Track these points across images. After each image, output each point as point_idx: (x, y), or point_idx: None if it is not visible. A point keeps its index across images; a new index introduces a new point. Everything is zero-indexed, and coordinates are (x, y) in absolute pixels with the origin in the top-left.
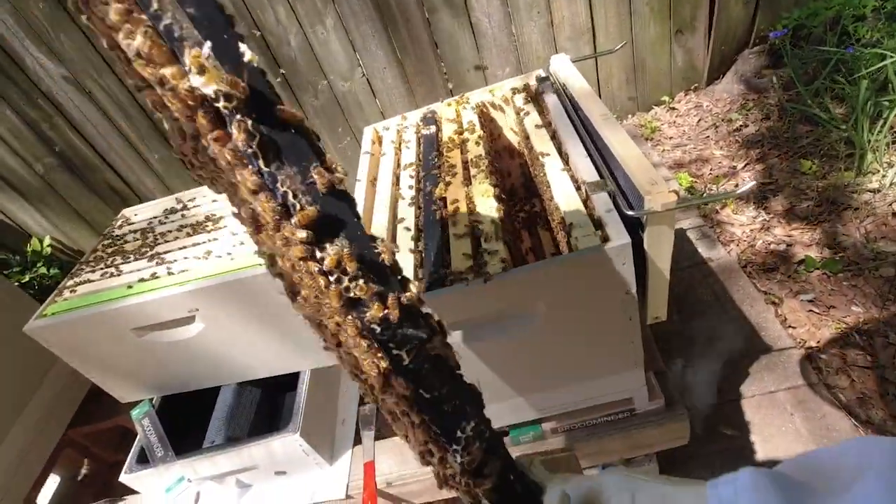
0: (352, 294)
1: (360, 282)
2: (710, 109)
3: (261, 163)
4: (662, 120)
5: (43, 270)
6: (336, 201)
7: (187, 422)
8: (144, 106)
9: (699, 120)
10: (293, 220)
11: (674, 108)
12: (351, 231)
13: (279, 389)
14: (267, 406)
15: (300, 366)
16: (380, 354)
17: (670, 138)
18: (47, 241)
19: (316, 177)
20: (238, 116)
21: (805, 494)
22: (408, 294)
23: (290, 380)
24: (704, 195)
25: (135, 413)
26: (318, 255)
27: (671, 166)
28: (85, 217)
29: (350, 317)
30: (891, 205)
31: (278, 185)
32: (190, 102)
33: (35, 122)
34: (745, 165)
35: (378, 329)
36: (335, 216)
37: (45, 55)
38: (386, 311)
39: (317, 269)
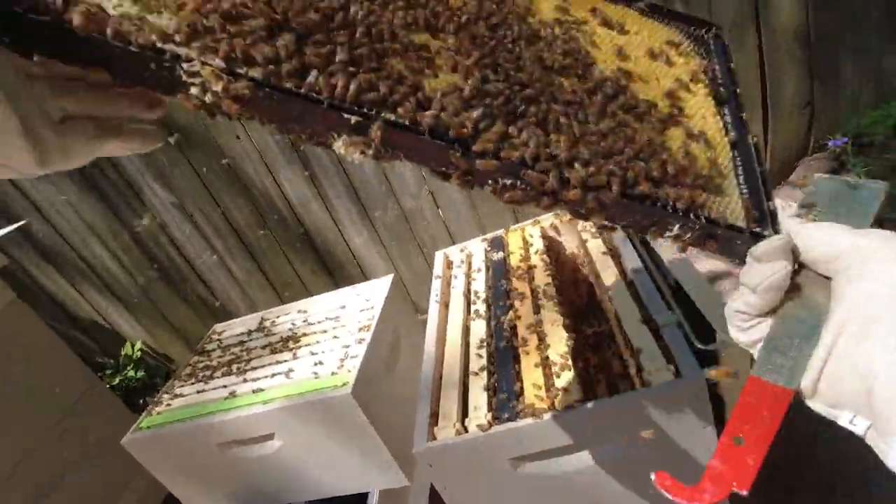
0: None
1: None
2: None
3: None
4: None
5: (131, 374)
6: None
7: None
8: (236, 227)
9: None
10: None
11: None
12: None
13: None
14: None
15: (369, 486)
16: None
17: None
18: (138, 345)
19: None
20: None
21: None
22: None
23: (358, 499)
24: None
25: None
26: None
27: None
28: (173, 323)
29: None
30: None
31: None
32: None
33: (143, 240)
34: None
35: None
36: None
37: (161, 186)
38: None
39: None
